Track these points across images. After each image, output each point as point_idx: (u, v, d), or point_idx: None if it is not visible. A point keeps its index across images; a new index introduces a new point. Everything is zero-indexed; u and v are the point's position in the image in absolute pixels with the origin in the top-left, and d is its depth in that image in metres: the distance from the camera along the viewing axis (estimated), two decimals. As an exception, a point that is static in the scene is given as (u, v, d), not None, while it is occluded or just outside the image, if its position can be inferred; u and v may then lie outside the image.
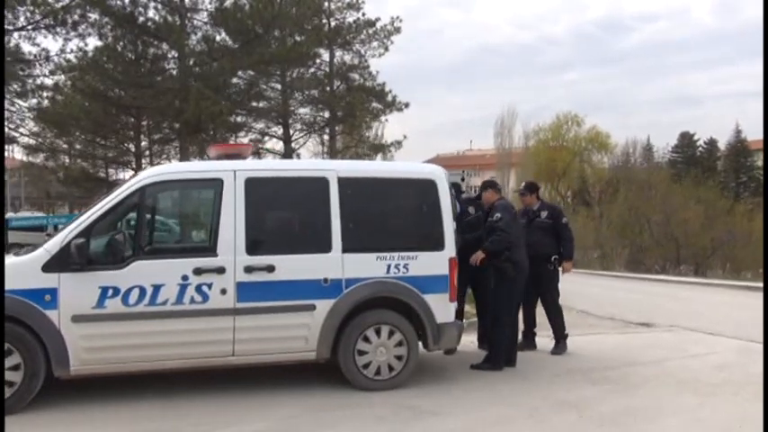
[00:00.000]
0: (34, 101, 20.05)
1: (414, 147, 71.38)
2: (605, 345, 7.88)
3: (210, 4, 20.38)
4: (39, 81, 19.56)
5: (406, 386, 5.71)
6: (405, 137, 26.80)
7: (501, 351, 6.43)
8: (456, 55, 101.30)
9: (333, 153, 25.18)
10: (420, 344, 5.90)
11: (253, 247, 5.42)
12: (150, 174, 5.45)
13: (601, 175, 46.23)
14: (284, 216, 5.85)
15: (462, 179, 6.73)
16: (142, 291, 5.16)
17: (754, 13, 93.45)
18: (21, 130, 23.31)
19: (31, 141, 23.70)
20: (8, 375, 4.95)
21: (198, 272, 5.26)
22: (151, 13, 19.72)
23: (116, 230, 5.48)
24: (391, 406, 5.24)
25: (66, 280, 5.04)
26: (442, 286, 5.84)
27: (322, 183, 5.67)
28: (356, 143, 27.08)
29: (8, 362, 4.94)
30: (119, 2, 19.01)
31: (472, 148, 69.62)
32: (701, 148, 64.04)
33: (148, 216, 5.81)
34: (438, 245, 5.86)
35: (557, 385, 5.92)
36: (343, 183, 5.70)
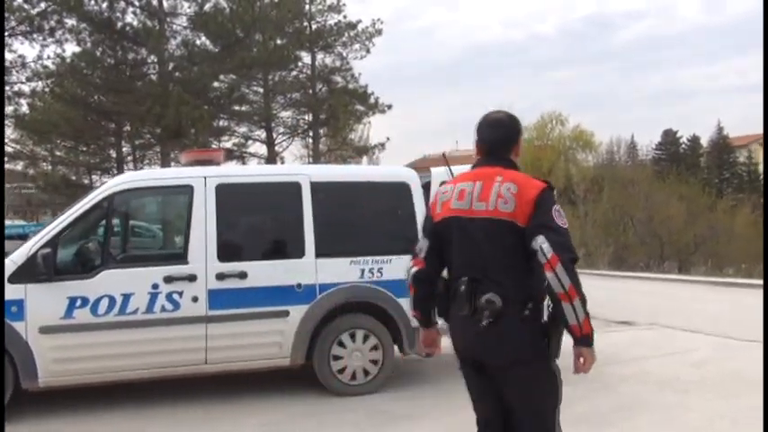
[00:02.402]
0: (11, 108, 19.74)
1: (402, 148, 71.49)
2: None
3: (190, 8, 20.34)
4: (16, 88, 19.31)
5: (381, 390, 5.68)
6: (388, 139, 26.84)
7: None
8: (445, 55, 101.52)
9: (316, 156, 25.15)
10: (396, 348, 5.87)
11: (224, 254, 5.36)
12: (119, 181, 5.38)
13: (585, 174, 46.42)
14: (256, 222, 5.81)
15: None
16: (111, 300, 5.09)
17: (739, 9, 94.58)
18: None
19: (9, 149, 23.36)
20: (-26, 389, 4.87)
21: (168, 280, 5.20)
22: (129, 18, 19.64)
23: (87, 239, 5.41)
24: (366, 411, 5.21)
25: (33, 291, 4.96)
26: (417, 290, 5.80)
27: (294, 188, 5.62)
28: (339, 146, 27.06)
29: (-26, 375, 4.86)
30: (96, 7, 18.86)
31: (458, 149, 69.70)
32: (684, 146, 64.69)
33: (117, 224, 5.75)
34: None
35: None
36: (316, 187, 5.66)
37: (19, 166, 27.76)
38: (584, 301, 2.46)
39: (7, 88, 19.20)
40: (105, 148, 24.86)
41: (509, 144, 2.78)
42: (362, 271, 5.66)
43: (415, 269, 2.81)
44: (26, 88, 19.44)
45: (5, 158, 25.13)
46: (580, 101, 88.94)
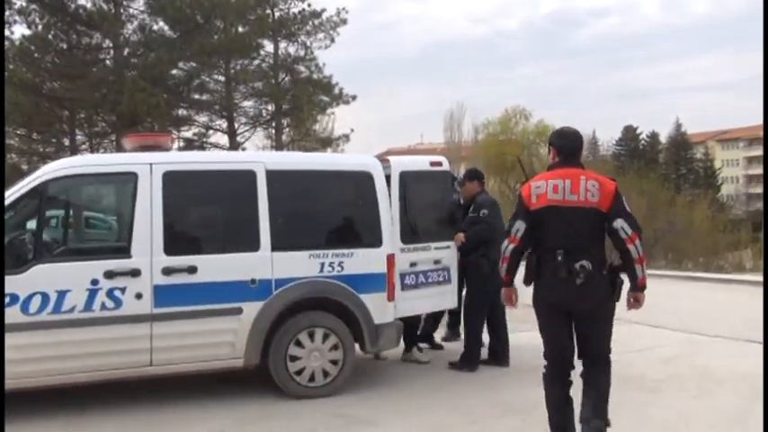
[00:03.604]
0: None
1: (366, 141, 71.09)
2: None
3: (147, -9, 19.55)
4: (-39, 71, 18.30)
5: (341, 393, 5.35)
6: (352, 130, 26.34)
7: (472, 350, 6.13)
8: (412, 49, 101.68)
9: (279, 147, 24.57)
10: (357, 347, 5.56)
11: (172, 247, 4.96)
12: (53, 168, 4.91)
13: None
14: (207, 212, 5.40)
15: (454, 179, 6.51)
16: (45, 297, 4.65)
17: (701, 10, 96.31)
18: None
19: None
20: None
21: (109, 275, 4.77)
22: (83, 1, 18.77)
23: (19, 231, 4.94)
24: (324, 415, 4.88)
25: (-43, 287, 4.49)
26: (380, 285, 5.49)
27: (249, 176, 5.24)
28: (303, 137, 26.53)
29: None
30: (47, -13, 18.01)
31: (423, 142, 69.71)
32: (643, 142, 65.80)
33: (54, 214, 5.28)
34: (375, 241, 5.52)
35: (502, 387, 5.65)
36: (272, 176, 5.28)
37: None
38: (645, 264, 3.71)
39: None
40: (59, 136, 23.86)
41: (580, 151, 3.95)
42: (322, 265, 5.32)
43: (512, 246, 3.82)
44: (-29, 72, 18.36)
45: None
46: (544, 97, 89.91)
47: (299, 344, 5.28)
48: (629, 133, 64.86)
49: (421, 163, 6.20)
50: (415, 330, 6.56)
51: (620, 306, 3.84)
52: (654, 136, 65.32)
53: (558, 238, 3.68)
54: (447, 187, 6.27)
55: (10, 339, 4.57)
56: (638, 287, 3.73)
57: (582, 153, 3.95)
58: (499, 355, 6.29)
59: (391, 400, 5.27)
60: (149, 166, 5.00)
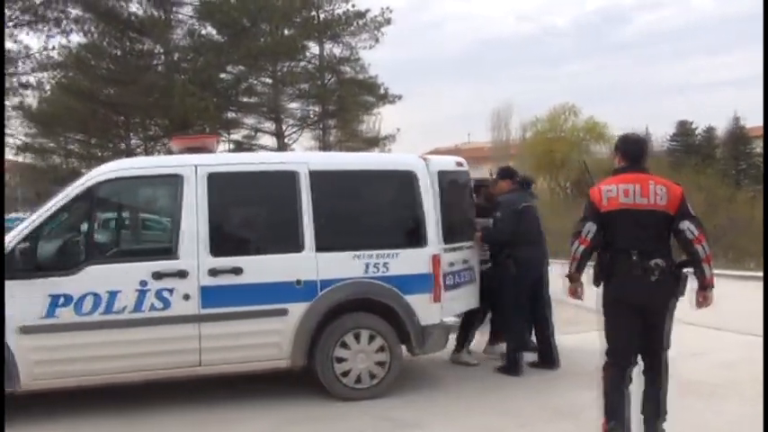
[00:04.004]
0: (17, 99, 19.54)
1: (413, 140, 70.92)
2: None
3: (195, -4, 19.96)
4: (23, 79, 19.09)
5: (388, 395, 5.28)
6: (398, 130, 26.32)
7: (513, 354, 5.98)
8: (458, 47, 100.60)
9: (326, 148, 24.74)
10: (404, 349, 5.49)
11: (217, 249, 4.98)
12: (102, 171, 5.01)
13: (600, 166, 45.75)
14: (251, 214, 5.43)
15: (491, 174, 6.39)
16: (97, 298, 4.74)
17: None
18: (5, 130, 22.83)
19: (17, 141, 23.24)
20: (-50, 392, 4.54)
21: (157, 276, 4.84)
22: (134, 8, 19.32)
23: (70, 233, 5.06)
24: (371, 418, 4.83)
25: (12, 288, 4.60)
26: (425, 286, 5.40)
27: (291, 177, 5.22)
28: (349, 137, 26.65)
29: (-50, 378, 4.54)
30: (100, -3, 18.58)
31: (469, 141, 69.20)
32: (699, 136, 63.62)
33: (104, 216, 5.39)
34: (420, 241, 5.43)
35: (551, 390, 5.49)
36: (315, 176, 5.26)
37: (28, 158, 27.75)
38: (711, 264, 3.90)
39: (12, 79, 18.97)
40: (115, 141, 24.63)
41: (645, 155, 4.17)
42: (367, 266, 5.26)
43: (582, 247, 3.99)
44: (32, 79, 19.16)
45: (14, 150, 25.10)
46: (593, 93, 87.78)
47: (344, 345, 5.24)
48: (684, 128, 62.71)
49: (450, 163, 6.10)
50: (469, 331, 6.44)
51: (680, 308, 3.90)
52: (710, 130, 62.94)
53: (630, 238, 3.89)
54: (468, 187, 6.21)
55: (65, 339, 4.70)
56: (706, 286, 3.92)
57: (647, 158, 4.14)
58: (547, 357, 6.12)
59: (438, 403, 5.19)
60: (194, 168, 5.04)
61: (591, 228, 3.95)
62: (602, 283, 4.05)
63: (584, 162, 10.17)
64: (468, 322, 6.29)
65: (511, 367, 5.94)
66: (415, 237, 5.46)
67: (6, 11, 18.19)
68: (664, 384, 4.08)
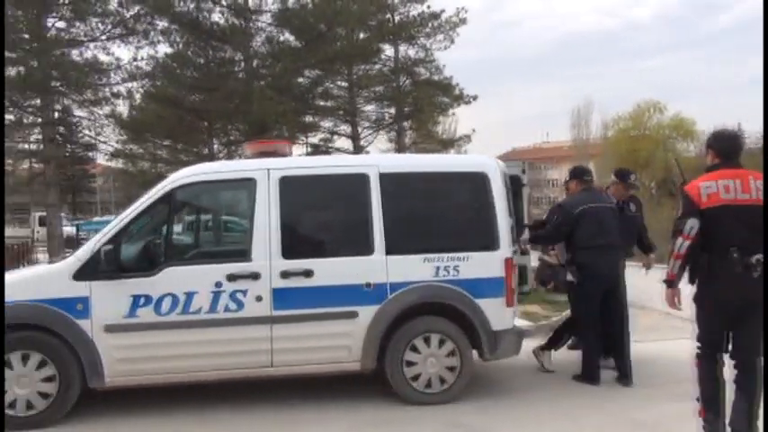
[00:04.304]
0: (108, 108, 20.60)
1: (490, 141, 69.98)
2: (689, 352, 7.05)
3: (274, 4, 20.41)
4: (115, 89, 20.08)
5: (459, 400, 5.21)
6: (474, 130, 25.97)
7: (588, 363, 5.76)
8: (535, 46, 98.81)
9: (401, 150, 24.74)
10: (475, 353, 5.39)
11: (289, 251, 5.07)
12: (180, 176, 5.19)
13: (687, 165, 43.60)
14: (322, 216, 5.48)
15: (523, 171, 6.08)
16: (174, 299, 4.91)
17: None
18: (100, 137, 24.18)
19: (110, 148, 24.52)
20: (43, 387, 4.83)
21: (232, 278, 4.96)
22: (216, 17, 19.95)
23: (150, 235, 5.26)
24: (440, 423, 4.77)
25: (98, 288, 4.86)
26: (498, 290, 5.29)
27: (362, 179, 5.24)
28: (424, 139, 26.55)
29: (43, 373, 4.83)
30: (184, 8, 19.28)
31: (549, 140, 67.71)
32: (798, 132, 59.59)
33: (181, 219, 5.57)
34: (492, 244, 5.32)
35: (628, 401, 5.24)
36: (385, 179, 5.26)
37: (119, 163, 29.28)
38: None
39: (105, 89, 20.00)
40: (199, 146, 25.56)
41: (740, 152, 4.12)
42: (437, 269, 5.21)
43: (687, 242, 3.96)
44: (122, 89, 20.10)
45: (107, 156, 26.53)
46: (680, 89, 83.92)
47: (414, 349, 5.21)
48: (782, 123, 58.95)
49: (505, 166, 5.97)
50: (564, 335, 6.25)
51: None
52: (811, 125, 58.91)
53: (731, 235, 3.88)
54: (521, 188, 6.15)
55: (145, 338, 4.89)
56: None
57: (741, 154, 4.12)
58: (621, 373, 5.75)
59: (509, 410, 5.07)
60: (266, 172, 5.14)
61: (693, 224, 3.94)
62: (696, 281, 4.05)
63: (676, 161, 9.74)
64: (568, 326, 6.09)
65: (587, 375, 5.72)
66: (486, 239, 5.35)
67: (100, 25, 19.24)
68: (758, 396, 3.93)
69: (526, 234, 6.19)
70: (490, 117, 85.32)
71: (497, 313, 5.29)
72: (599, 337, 5.78)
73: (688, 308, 4.41)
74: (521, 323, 5.48)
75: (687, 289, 4.31)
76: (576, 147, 49.72)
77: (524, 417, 4.91)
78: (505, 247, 5.34)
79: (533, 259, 8.01)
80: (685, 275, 4.12)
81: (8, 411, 4.75)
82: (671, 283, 4.08)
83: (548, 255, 10.44)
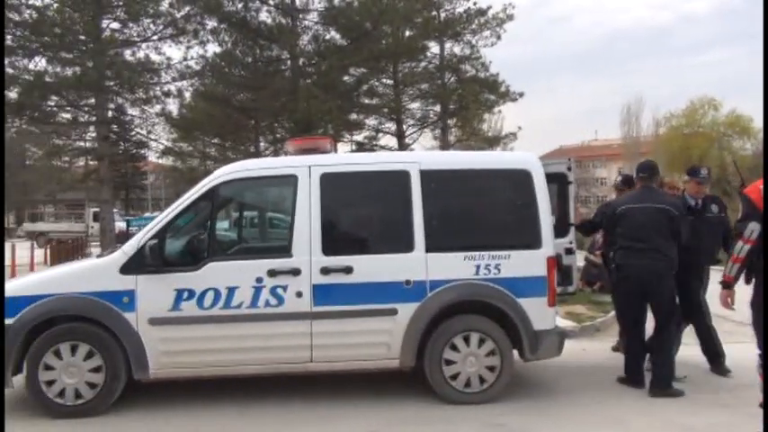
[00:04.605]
0: (159, 107, 21.11)
1: (536, 139, 69.00)
2: (744, 357, 6.77)
3: (320, 3, 20.57)
4: (165, 88, 20.56)
5: (498, 400, 5.14)
6: (520, 128, 25.68)
7: (629, 365, 5.63)
8: (585, 42, 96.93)
9: (445, 147, 24.61)
10: (516, 353, 5.31)
11: (329, 248, 5.08)
12: (223, 172, 5.26)
13: (744, 163, 42.09)
14: (362, 213, 5.47)
15: (569, 168, 5.91)
16: (216, 293, 4.99)
17: None
18: (151, 135, 24.85)
19: (160, 145, 25.16)
20: (91, 377, 4.97)
21: (272, 273, 5.01)
22: (263, 16, 20.21)
23: (194, 230, 5.36)
24: (478, 423, 4.71)
25: (143, 282, 4.97)
26: (540, 289, 5.20)
27: (403, 177, 5.22)
28: (469, 136, 26.36)
29: (90, 364, 4.96)
30: (233, 7, 19.60)
31: (597, 138, 66.37)
32: None
33: (225, 215, 5.65)
34: (534, 243, 5.23)
35: (680, 406, 5.08)
36: (426, 176, 5.23)
37: (169, 161, 30.06)
38: None
39: (156, 88, 20.50)
40: (246, 144, 25.98)
41: None
42: (478, 267, 5.16)
43: (748, 246, 3.99)
44: (173, 88, 20.58)
45: (158, 154, 27.24)
46: (735, 84, 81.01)
47: (454, 348, 5.16)
48: None
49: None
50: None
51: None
52: None
53: None
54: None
55: (188, 331, 4.97)
56: None
57: None
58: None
59: (550, 411, 4.98)
60: (308, 169, 5.17)
61: (755, 227, 3.94)
62: (754, 284, 4.02)
63: (734, 163, 9.45)
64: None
65: (629, 378, 5.58)
66: (529, 237, 5.27)
67: (152, 26, 19.76)
68: None
69: (571, 235, 5.99)
70: (537, 114, 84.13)
71: (539, 313, 5.20)
72: (638, 340, 5.62)
73: (741, 311, 4.26)
74: (564, 323, 5.36)
75: (741, 291, 4.17)
76: (625, 145, 48.58)
77: (565, 419, 4.81)
78: (548, 246, 5.25)
79: (579, 259, 7.85)
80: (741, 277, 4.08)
81: (57, 400, 4.92)
82: (727, 285, 4.10)
83: (593, 254, 10.24)
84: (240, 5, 19.66)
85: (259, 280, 5.00)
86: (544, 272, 5.20)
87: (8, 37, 17.90)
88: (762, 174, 4.04)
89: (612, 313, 6.70)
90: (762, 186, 3.94)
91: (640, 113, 47.67)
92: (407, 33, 22.30)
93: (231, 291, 4.99)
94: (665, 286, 5.41)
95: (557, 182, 5.87)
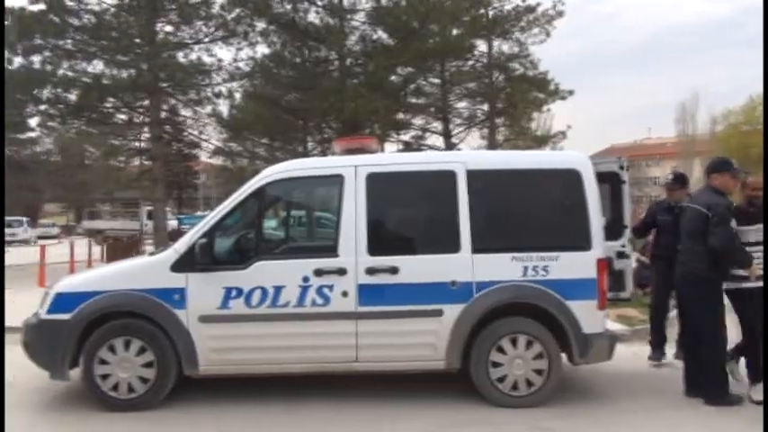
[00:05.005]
0: (210, 108, 21.55)
1: (587, 137, 67.61)
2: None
3: (368, 3, 20.63)
4: (216, 89, 20.98)
5: (546, 405, 5.05)
6: (569, 127, 25.13)
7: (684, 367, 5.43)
8: (638, 37, 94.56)
9: (493, 146, 24.37)
10: (565, 357, 5.22)
11: (375, 248, 5.09)
12: (271, 172, 5.33)
13: (807, 161, 40.31)
14: (408, 213, 5.45)
15: (622, 167, 5.74)
16: (264, 292, 5.05)
17: None
18: (202, 135, 25.37)
19: (211, 146, 25.67)
20: (143, 372, 5.10)
21: (318, 273, 5.04)
22: (311, 17, 20.39)
23: (243, 230, 5.44)
24: (523, 427, 4.65)
25: (194, 280, 5.07)
26: (589, 291, 5.09)
27: (449, 176, 5.18)
28: (517, 135, 26.02)
29: (142, 359, 5.10)
30: (282, 9, 19.85)
31: (651, 137, 64.65)
32: None
33: (272, 214, 5.72)
34: (584, 244, 5.13)
35: (736, 417, 4.87)
36: (473, 176, 5.18)
37: (220, 161, 30.63)
38: None
39: (207, 90, 20.93)
40: (294, 144, 26.29)
41: None
42: (525, 268, 5.08)
43: None
44: (223, 89, 20.97)
45: (209, 154, 27.83)
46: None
47: (501, 350, 5.10)
48: None
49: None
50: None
51: None
52: None
53: None
54: None
55: (236, 329, 5.05)
56: None
57: None
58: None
59: (599, 418, 4.86)
60: (354, 169, 5.19)
61: None
62: None
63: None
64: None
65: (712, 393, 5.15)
66: (578, 239, 5.16)
67: (204, 28, 20.20)
68: None
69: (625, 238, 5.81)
70: (588, 113, 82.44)
71: (589, 316, 5.10)
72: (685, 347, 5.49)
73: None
74: (615, 327, 5.22)
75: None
76: (680, 143, 47.29)
77: (614, 424, 4.70)
78: (598, 248, 5.14)
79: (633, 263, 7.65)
80: None
81: (111, 393, 5.07)
82: None
83: (645, 256, 9.95)
84: (289, 7, 19.90)
85: (305, 279, 5.05)
86: (594, 274, 5.09)
87: (68, 41, 18.61)
88: None
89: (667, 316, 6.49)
90: None
91: (696, 110, 46.37)
92: (455, 32, 22.15)
93: (278, 289, 5.05)
94: (687, 293, 5.23)
95: (609, 182, 5.74)
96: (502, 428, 4.64)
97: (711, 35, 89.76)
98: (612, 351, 5.30)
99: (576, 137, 36.18)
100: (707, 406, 5.05)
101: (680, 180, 6.32)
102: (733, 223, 5.00)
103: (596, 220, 5.15)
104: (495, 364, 5.10)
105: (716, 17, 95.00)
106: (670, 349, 6.32)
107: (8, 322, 6.88)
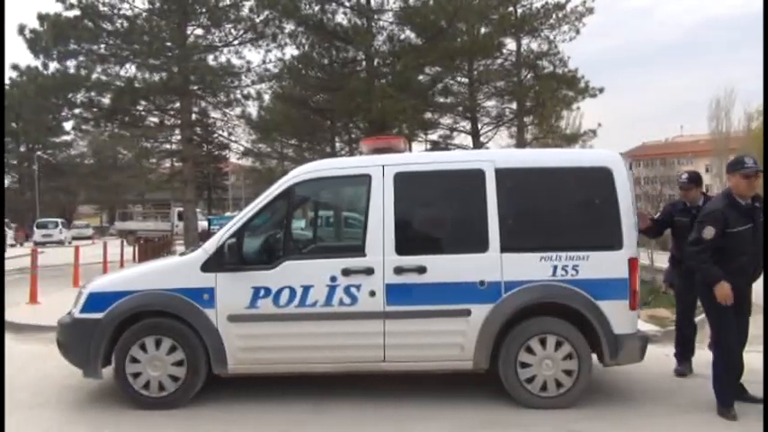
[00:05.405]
0: (239, 110, 21.77)
1: (618, 135, 66.64)
2: None
3: (395, 3, 20.61)
4: (245, 91, 21.19)
5: (576, 406, 4.98)
6: (599, 125, 24.90)
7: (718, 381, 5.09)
8: (670, 34, 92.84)
9: (521, 145, 24.19)
10: (595, 357, 5.14)
11: (403, 247, 5.07)
12: (299, 172, 5.36)
13: None
14: (436, 213, 5.42)
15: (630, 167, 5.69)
16: (292, 292, 5.07)
17: None
18: (232, 137, 25.65)
19: (241, 147, 25.94)
20: (173, 370, 5.17)
21: (346, 273, 5.05)
22: (339, 18, 20.45)
23: (271, 230, 5.47)
24: (551, 427, 4.60)
25: (223, 280, 5.11)
26: (620, 291, 5.01)
27: (477, 175, 5.14)
28: (546, 134, 25.76)
29: (173, 357, 5.16)
30: (310, 10, 19.95)
31: (683, 134, 63.54)
32: None
33: (301, 214, 5.74)
34: (614, 243, 5.04)
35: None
36: (502, 174, 5.13)
37: (249, 162, 30.97)
38: None
39: (237, 91, 21.15)
40: (322, 144, 26.42)
41: None
42: (555, 268, 5.02)
43: None
44: (252, 91, 21.18)
45: (238, 155, 28.13)
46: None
47: (529, 350, 5.05)
48: None
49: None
50: None
51: None
52: None
53: None
54: None
55: (264, 329, 5.08)
56: None
57: None
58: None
59: (628, 420, 4.78)
60: (381, 168, 5.18)
61: None
62: None
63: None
64: None
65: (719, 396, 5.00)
66: (609, 238, 5.08)
67: (233, 31, 20.42)
68: None
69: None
70: (619, 111, 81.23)
71: (620, 316, 5.01)
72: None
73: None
74: (646, 328, 5.13)
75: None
76: (714, 140, 46.35)
77: (644, 427, 4.61)
78: (630, 247, 5.05)
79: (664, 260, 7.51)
80: None
81: (142, 391, 5.14)
82: None
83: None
84: (317, 8, 19.97)
85: (333, 279, 5.05)
86: (625, 274, 5.01)
87: (101, 46, 18.99)
88: None
89: (697, 318, 6.34)
90: None
91: (731, 107, 45.42)
92: (483, 30, 22.03)
93: (306, 289, 5.06)
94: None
95: None
96: (530, 430, 4.59)
97: (749, 29, 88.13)
98: (644, 352, 5.20)
99: (607, 135, 35.85)
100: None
101: (694, 180, 6.16)
102: (711, 231, 4.74)
103: (628, 219, 5.07)
104: (524, 365, 5.04)
105: (751, 11, 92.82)
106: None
107: (44, 321, 7.04)
